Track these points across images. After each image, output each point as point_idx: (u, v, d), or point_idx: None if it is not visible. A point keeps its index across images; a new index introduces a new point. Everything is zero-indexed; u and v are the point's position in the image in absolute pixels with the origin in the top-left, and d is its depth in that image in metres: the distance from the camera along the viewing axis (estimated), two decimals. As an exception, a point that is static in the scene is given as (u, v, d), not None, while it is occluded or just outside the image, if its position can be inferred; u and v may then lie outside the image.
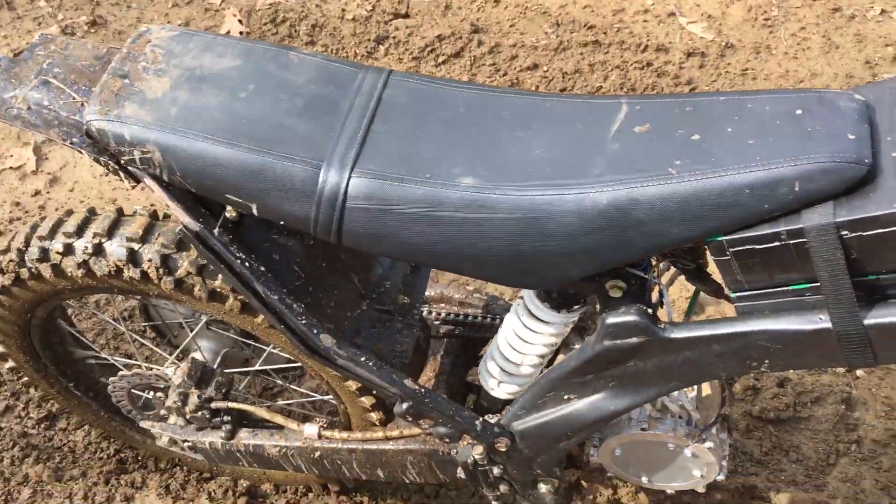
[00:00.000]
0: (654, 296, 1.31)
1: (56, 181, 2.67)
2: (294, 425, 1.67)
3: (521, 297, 1.44)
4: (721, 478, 1.51)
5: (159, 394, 1.79)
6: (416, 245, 1.20)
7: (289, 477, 2.05)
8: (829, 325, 1.11)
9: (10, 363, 1.84)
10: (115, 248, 1.46)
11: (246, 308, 1.48)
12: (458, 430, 1.47)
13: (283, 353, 1.80)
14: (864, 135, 1.06)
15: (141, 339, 2.00)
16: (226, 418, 1.72)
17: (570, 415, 1.39)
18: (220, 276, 1.43)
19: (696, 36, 3.04)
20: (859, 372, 2.27)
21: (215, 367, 1.81)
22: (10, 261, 1.53)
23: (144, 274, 1.46)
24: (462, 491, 2.08)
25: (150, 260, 1.45)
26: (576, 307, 1.39)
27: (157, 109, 1.21)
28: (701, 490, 1.57)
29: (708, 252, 1.17)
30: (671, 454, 1.50)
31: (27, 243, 1.52)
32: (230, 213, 1.31)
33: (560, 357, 1.54)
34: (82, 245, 1.48)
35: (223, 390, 1.72)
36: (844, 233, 1.03)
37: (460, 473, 1.58)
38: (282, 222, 1.24)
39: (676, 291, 2.39)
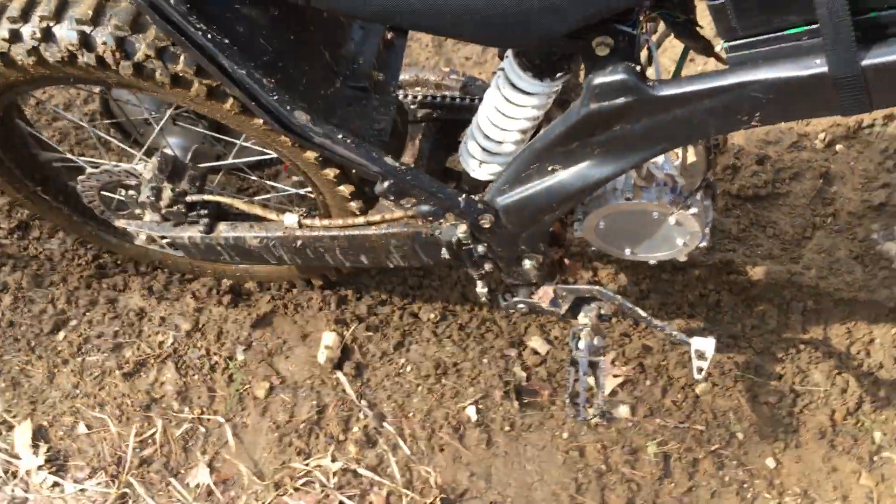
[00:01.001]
0: (644, 54, 1.25)
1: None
2: (273, 215, 1.65)
3: (502, 69, 1.38)
4: (704, 244, 1.52)
5: (131, 192, 1.74)
6: (390, 2, 1.12)
7: (272, 273, 2.05)
8: (825, 69, 1.07)
9: None
10: (66, 32, 1.36)
11: (213, 93, 1.40)
12: (441, 207, 1.45)
13: (255, 147, 1.74)
14: None
15: (106, 137, 1.92)
16: (203, 212, 1.69)
17: (555, 186, 1.37)
18: (182, 58, 1.34)
19: None
20: (838, 146, 2.27)
21: (186, 162, 1.75)
22: None
23: (100, 59, 1.37)
24: (445, 280, 2.11)
25: (104, 43, 1.35)
26: (559, 75, 1.33)
27: None
28: (683, 259, 1.59)
29: (701, 2, 1.11)
30: (655, 223, 1.50)
31: None
32: (186, -21, 1.21)
33: (543, 129, 1.49)
34: (29, 30, 1.37)
35: (197, 183, 1.68)
36: (849, -37, 0.97)
37: (444, 254, 1.58)
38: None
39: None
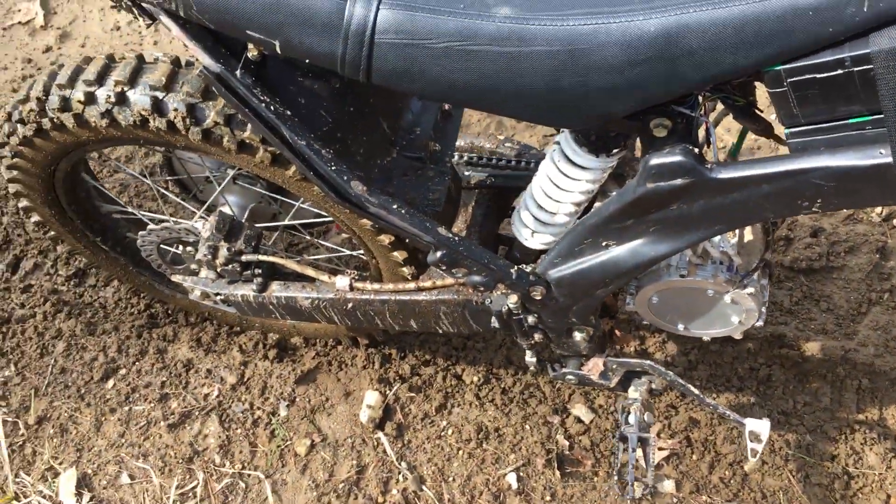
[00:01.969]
0: (701, 135, 1.24)
1: (66, 36, 2.58)
2: (325, 277, 1.66)
3: (558, 142, 1.38)
4: (760, 324, 1.49)
5: (189, 248, 1.78)
6: (450, 82, 1.13)
7: (319, 330, 2.06)
8: (889, 159, 1.05)
9: (37, 217, 1.82)
10: (139, 97, 1.41)
11: (276, 160, 1.43)
12: (493, 278, 1.45)
13: (312, 209, 1.77)
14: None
15: (167, 194, 1.97)
16: (257, 271, 1.71)
17: (609, 261, 1.36)
18: (249, 126, 1.38)
19: None
20: (897, 221, 2.22)
21: (243, 221, 1.78)
22: (31, 111, 1.48)
23: (171, 124, 1.41)
24: (489, 343, 2.10)
25: (176, 109, 1.39)
26: (615, 151, 1.33)
27: (169, -62, 1.13)
28: (738, 337, 1.56)
29: (762, 85, 1.10)
30: (710, 301, 1.47)
31: (46, 92, 1.46)
32: (252, 52, 1.24)
33: (597, 204, 1.49)
34: (104, 94, 1.42)
35: (252, 243, 1.70)
36: (916, 57, 0.96)
37: (494, 323, 1.57)
38: (307, 61, 1.17)
39: (722, 133, 2.32)
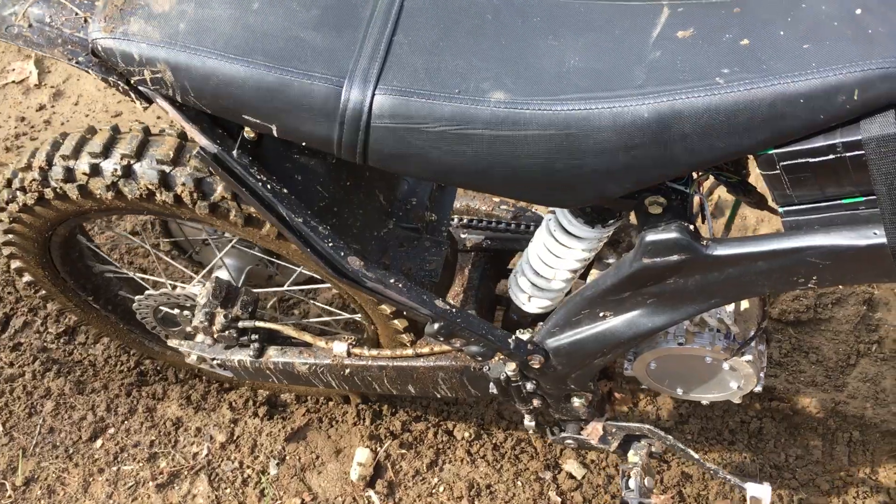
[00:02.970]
0: (695, 209, 1.25)
1: (60, 95, 2.60)
2: (323, 343, 1.66)
3: (553, 212, 1.39)
4: (759, 389, 1.49)
5: (185, 312, 1.78)
6: (445, 165, 1.14)
7: (310, 388, 2.05)
8: (884, 240, 1.06)
9: (28, 277, 1.80)
10: (146, 171, 1.40)
11: (281, 234, 1.42)
12: (491, 348, 1.45)
13: (309, 272, 1.77)
14: (932, 36, 0.97)
15: (164, 258, 1.97)
16: (254, 337, 1.71)
17: (606, 332, 1.36)
18: None
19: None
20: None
21: (239, 284, 1.78)
22: (33, 180, 1.47)
23: (178, 198, 1.40)
24: (479, 399, 2.09)
25: (183, 184, 1.39)
26: (610, 222, 1.34)
27: (165, 25, 1.14)
28: (737, 401, 1.55)
29: (754, 164, 1.11)
30: (708, 367, 1.47)
31: (49, 162, 1.45)
32: (248, 133, 1.25)
33: (594, 272, 1.50)
34: (111, 166, 1.41)
35: (249, 309, 1.70)
36: (907, 144, 0.96)
37: (492, 389, 1.57)
38: (303, 143, 1.18)
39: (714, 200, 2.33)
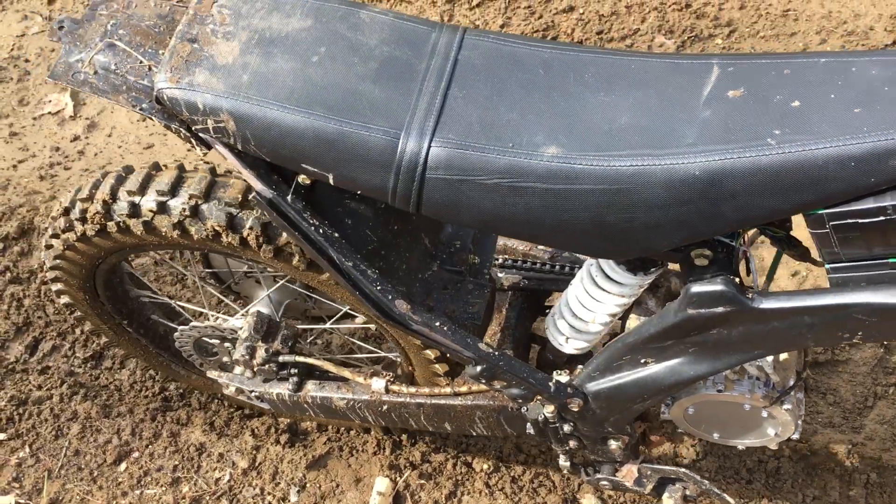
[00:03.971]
0: (741, 262, 1.27)
1: (94, 126, 2.65)
2: (361, 379, 1.68)
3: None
4: (796, 437, 1.50)
5: (227, 344, 1.80)
6: (497, 216, 1.17)
7: (330, 419, 2.06)
8: (930, 299, 1.07)
9: (67, 299, 1.82)
10: (214, 212, 1.42)
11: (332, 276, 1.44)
12: (531, 391, 1.47)
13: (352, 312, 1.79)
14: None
15: (210, 289, 2.00)
16: (293, 370, 1.73)
17: (647, 378, 1.38)
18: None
19: (736, -25, 2.89)
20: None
21: (278, 317, 1.81)
22: (96, 212, 1.48)
23: (243, 240, 1.42)
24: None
25: (251, 227, 1.41)
26: (652, 269, 1.36)
27: (229, 76, 1.17)
28: (774, 447, 1.56)
29: (803, 220, 1.13)
30: (747, 414, 1.48)
31: (114, 196, 1.47)
32: (302, 179, 1.28)
33: (632, 316, 1.51)
34: (179, 205, 1.43)
35: (289, 343, 1.73)
36: (956, 207, 0.98)
37: (529, 429, 1.59)
38: (358, 191, 1.21)
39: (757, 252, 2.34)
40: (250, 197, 1.28)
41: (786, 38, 2.75)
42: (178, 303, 2.00)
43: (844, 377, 2.16)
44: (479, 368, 1.42)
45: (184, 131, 1.23)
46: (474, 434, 1.68)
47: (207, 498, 2.03)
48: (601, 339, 1.53)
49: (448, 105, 1.16)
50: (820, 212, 1.06)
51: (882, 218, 1.03)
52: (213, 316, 1.81)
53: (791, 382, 1.44)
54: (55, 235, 1.61)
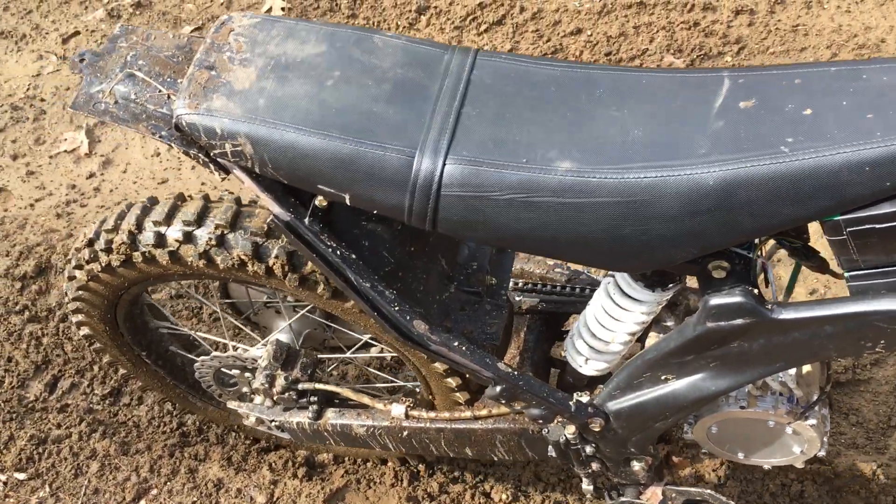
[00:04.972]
0: (758, 273, 1.26)
1: (109, 163, 2.70)
2: (381, 405, 1.68)
3: (613, 275, 1.41)
4: (822, 454, 1.48)
5: (247, 374, 1.81)
6: (513, 231, 1.17)
7: (349, 449, 2.06)
8: (952, 304, 1.06)
9: (87, 331, 1.83)
10: (240, 241, 1.44)
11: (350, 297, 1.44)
12: (552, 411, 1.46)
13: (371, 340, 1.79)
14: None
15: (228, 317, 2.01)
16: (312, 399, 1.73)
17: (668, 395, 1.37)
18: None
19: (744, -8, 2.92)
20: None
21: (298, 347, 1.82)
22: (122, 243, 1.50)
23: (269, 269, 1.44)
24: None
25: (277, 257, 1.42)
26: (670, 285, 1.36)
27: (246, 101, 1.19)
28: (800, 465, 1.54)
29: (814, 229, 1.13)
30: (771, 431, 1.47)
31: (139, 226, 1.49)
32: (320, 201, 1.29)
33: (651, 335, 1.51)
34: (205, 235, 1.45)
35: (309, 371, 1.73)
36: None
37: (551, 452, 1.57)
38: (374, 211, 1.22)
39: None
40: (268, 220, 1.29)
41: (796, 54, 2.76)
42: (199, 333, 2.01)
43: (867, 396, 2.13)
44: (498, 389, 1.42)
45: (202, 157, 1.25)
46: (495, 459, 1.67)
47: (226, 533, 2.02)
48: (620, 360, 1.52)
49: (462, 123, 1.17)
50: (836, 218, 1.06)
51: (900, 222, 1.03)
52: (233, 346, 1.81)
53: (815, 397, 1.42)
54: (79, 266, 1.62)
